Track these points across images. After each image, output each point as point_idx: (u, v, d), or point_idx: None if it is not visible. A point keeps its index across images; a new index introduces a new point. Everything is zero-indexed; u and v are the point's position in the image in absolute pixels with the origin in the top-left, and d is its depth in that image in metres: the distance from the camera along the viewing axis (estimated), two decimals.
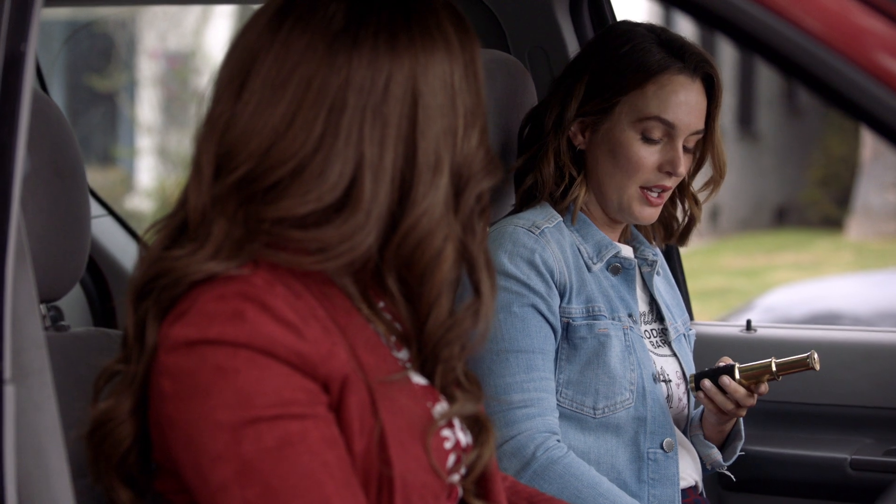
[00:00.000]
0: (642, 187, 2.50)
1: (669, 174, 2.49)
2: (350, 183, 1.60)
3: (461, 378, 1.73)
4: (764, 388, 2.52)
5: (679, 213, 2.66)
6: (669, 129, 2.49)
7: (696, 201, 2.65)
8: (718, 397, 2.50)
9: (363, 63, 1.61)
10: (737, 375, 2.49)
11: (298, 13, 1.64)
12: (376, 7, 1.64)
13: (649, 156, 2.49)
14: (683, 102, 2.49)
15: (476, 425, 1.76)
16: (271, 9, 1.67)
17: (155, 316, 1.63)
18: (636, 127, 2.50)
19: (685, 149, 2.52)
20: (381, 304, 1.73)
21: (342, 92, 1.60)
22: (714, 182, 2.61)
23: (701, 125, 2.52)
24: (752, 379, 2.49)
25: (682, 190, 2.63)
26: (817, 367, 2.49)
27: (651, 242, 2.67)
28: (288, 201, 1.59)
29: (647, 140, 2.49)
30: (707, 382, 2.50)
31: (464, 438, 1.73)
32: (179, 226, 1.66)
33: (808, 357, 2.49)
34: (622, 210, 2.53)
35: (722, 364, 2.53)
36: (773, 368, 2.49)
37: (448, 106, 1.64)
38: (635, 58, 2.51)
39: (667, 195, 2.53)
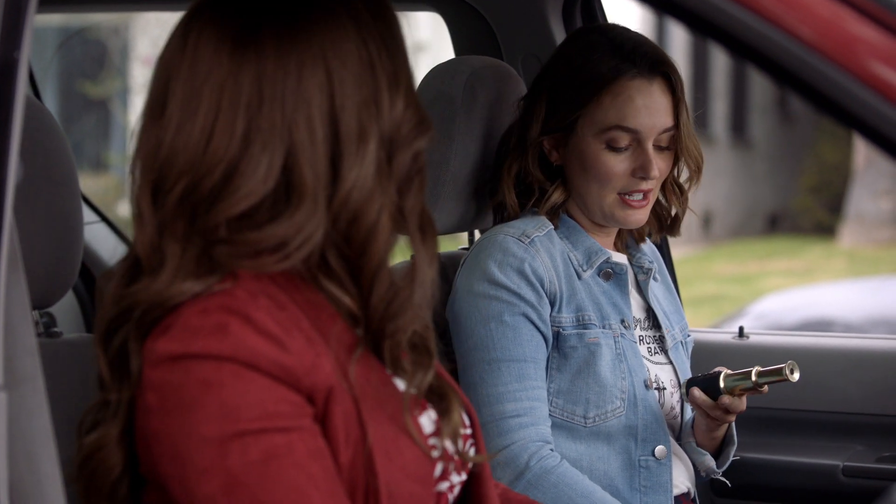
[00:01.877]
0: (620, 193, 2.50)
1: (643, 178, 2.49)
2: (285, 171, 1.60)
3: (407, 350, 1.70)
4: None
5: (671, 207, 2.64)
6: (634, 135, 2.49)
7: (680, 191, 2.62)
8: (707, 403, 2.49)
9: (270, 55, 1.61)
10: (721, 384, 2.48)
11: (201, 24, 1.64)
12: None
13: (618, 164, 2.49)
14: (642, 106, 2.48)
15: (435, 395, 1.74)
16: (179, 28, 1.67)
17: (136, 339, 1.62)
18: (600, 138, 2.49)
19: (659, 148, 2.51)
20: None
21: (256, 87, 1.60)
22: (693, 175, 2.58)
23: (668, 122, 2.50)
24: (735, 390, 2.48)
25: (665, 187, 2.60)
26: (794, 378, 2.46)
27: (645, 239, 2.66)
28: (222, 203, 1.59)
29: (614, 149, 2.49)
30: (696, 391, 2.49)
31: (451, 447, 1.73)
32: (133, 265, 1.65)
33: (785, 367, 2.46)
34: (607, 218, 2.53)
35: (712, 373, 2.52)
36: (754, 378, 2.46)
37: (366, 75, 1.64)
38: (588, 70, 2.51)
39: (651, 197, 2.52)
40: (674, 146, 2.53)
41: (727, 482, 2.70)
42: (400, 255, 1.73)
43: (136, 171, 1.65)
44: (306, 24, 1.63)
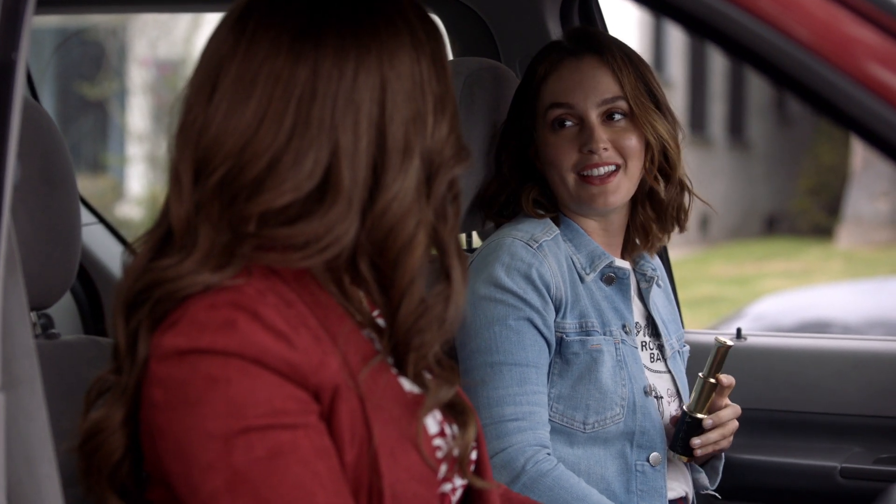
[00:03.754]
0: (579, 174, 2.50)
1: (591, 152, 2.48)
2: (327, 171, 1.61)
3: (433, 365, 1.72)
4: (727, 380, 2.52)
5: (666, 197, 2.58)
6: (570, 110, 2.51)
7: (658, 181, 2.55)
8: (710, 441, 2.50)
9: (329, 53, 1.62)
10: (689, 417, 2.49)
11: (260, 14, 1.65)
12: (338, 1, 1.66)
13: (564, 142, 2.51)
14: (572, 82, 2.52)
15: (454, 411, 1.75)
16: (234, 14, 1.68)
17: (148, 328, 1.63)
18: (544, 123, 2.54)
19: (611, 121, 2.50)
20: (376, 313, 1.73)
21: (310, 82, 1.61)
22: (662, 156, 2.53)
23: (608, 93, 2.51)
24: (707, 404, 2.50)
25: (650, 174, 2.54)
26: (730, 342, 2.50)
27: (655, 242, 2.62)
28: (266, 194, 1.60)
29: (558, 128, 2.52)
30: (697, 441, 2.49)
31: (456, 450, 1.73)
32: (164, 236, 1.66)
33: (718, 347, 2.49)
34: (576, 201, 2.52)
35: (674, 421, 2.54)
36: (711, 381, 2.49)
37: (416, 92, 1.66)
38: (529, 68, 2.61)
39: (615, 176, 2.49)
40: (631, 118, 2.52)
41: (717, 495, 2.70)
42: None
43: (177, 146, 1.65)
44: (368, 30, 1.65)
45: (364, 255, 1.65)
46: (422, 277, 1.65)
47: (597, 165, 2.48)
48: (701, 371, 2.51)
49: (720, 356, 2.50)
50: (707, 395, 2.49)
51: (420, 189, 1.65)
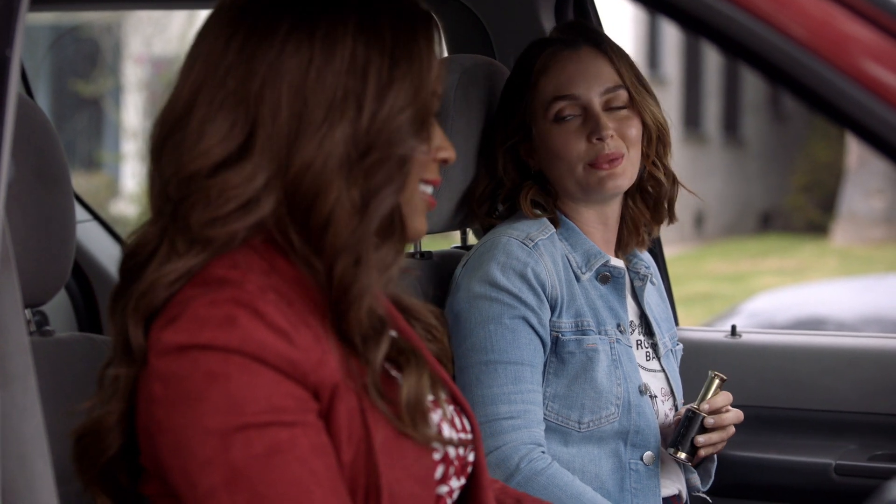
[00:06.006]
0: (588, 164, 2.51)
1: (601, 140, 2.49)
2: (247, 137, 1.62)
3: (357, 339, 1.66)
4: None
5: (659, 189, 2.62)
6: (576, 101, 2.52)
7: (657, 166, 2.59)
8: (713, 440, 2.51)
9: (261, 26, 1.65)
10: (704, 415, 2.50)
11: (222, 4, 1.71)
12: None
13: (572, 134, 2.52)
14: (575, 72, 2.53)
15: (401, 356, 1.71)
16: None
17: (136, 321, 1.63)
18: (548, 117, 2.54)
19: (614, 109, 2.52)
20: None
21: (239, 53, 1.64)
22: (657, 139, 2.57)
23: (610, 82, 2.53)
24: (710, 405, 2.51)
25: (648, 166, 2.59)
26: (723, 375, 2.52)
27: (645, 236, 2.64)
28: (185, 156, 1.63)
29: (563, 120, 2.52)
30: (701, 439, 2.50)
31: (452, 451, 1.73)
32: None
33: (712, 379, 2.51)
34: (586, 190, 2.53)
35: (678, 420, 2.55)
36: (700, 411, 2.50)
37: (355, 75, 1.64)
38: (519, 66, 2.61)
39: (625, 162, 2.51)
40: (632, 106, 2.54)
41: (709, 499, 2.70)
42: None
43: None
44: (307, 10, 1.65)
45: (291, 227, 1.65)
46: (348, 254, 1.63)
47: (605, 156, 2.49)
48: (692, 403, 2.52)
49: (714, 389, 2.51)
50: (712, 394, 2.51)
51: (346, 166, 1.63)
